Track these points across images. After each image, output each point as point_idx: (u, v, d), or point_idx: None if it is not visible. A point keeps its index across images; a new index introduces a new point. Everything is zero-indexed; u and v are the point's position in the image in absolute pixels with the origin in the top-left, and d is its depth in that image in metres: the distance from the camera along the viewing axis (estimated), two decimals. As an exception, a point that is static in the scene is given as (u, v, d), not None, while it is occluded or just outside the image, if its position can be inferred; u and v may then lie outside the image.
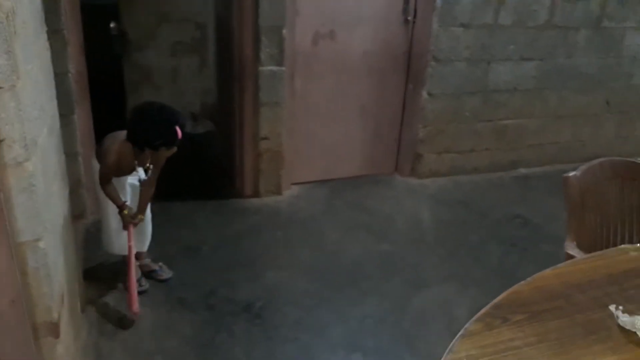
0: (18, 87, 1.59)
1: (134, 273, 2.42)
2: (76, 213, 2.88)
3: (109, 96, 4.03)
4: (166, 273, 2.71)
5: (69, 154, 2.69)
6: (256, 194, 3.62)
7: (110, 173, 2.32)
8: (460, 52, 3.72)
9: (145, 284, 2.60)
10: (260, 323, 2.43)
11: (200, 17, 4.57)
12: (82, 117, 3.11)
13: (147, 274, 2.67)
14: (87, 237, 2.99)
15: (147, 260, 2.70)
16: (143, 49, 4.56)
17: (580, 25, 3.98)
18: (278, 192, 3.64)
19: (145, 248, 2.65)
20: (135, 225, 2.42)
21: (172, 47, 4.66)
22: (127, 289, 2.43)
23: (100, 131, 3.29)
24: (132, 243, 2.41)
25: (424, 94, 3.74)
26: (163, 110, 2.27)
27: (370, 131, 3.89)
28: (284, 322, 2.44)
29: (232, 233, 3.17)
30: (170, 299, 2.56)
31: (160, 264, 2.73)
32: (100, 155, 2.37)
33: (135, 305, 2.34)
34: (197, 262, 2.83)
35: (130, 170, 2.36)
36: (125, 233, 2.42)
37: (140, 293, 2.48)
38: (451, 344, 1.15)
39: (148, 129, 2.24)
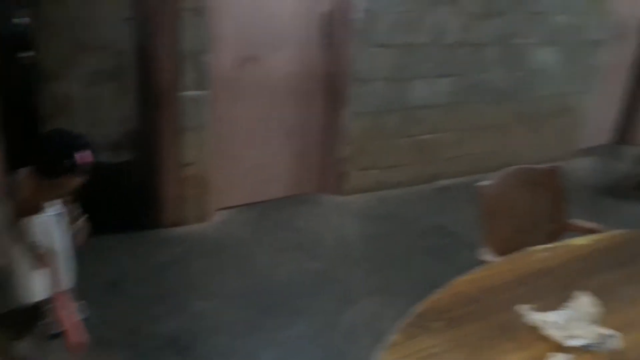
0: None
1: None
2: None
3: (22, 128, 3.82)
4: (84, 312, 2.56)
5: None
6: (181, 222, 3.53)
7: (21, 210, 2.18)
8: (380, 72, 3.84)
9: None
10: (189, 356, 2.35)
11: (119, 44, 4.45)
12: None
13: None
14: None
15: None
16: (59, 78, 4.37)
17: (490, 42, 4.24)
18: (204, 218, 3.57)
19: (71, 285, 2.50)
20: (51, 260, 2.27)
21: (91, 76, 4.50)
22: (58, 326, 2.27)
23: (16, 165, 3.13)
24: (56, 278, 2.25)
25: (347, 113, 3.83)
26: (61, 137, 2.16)
27: (296, 152, 3.92)
28: (214, 353, 2.38)
29: (156, 264, 3.06)
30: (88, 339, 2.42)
31: (83, 302, 2.58)
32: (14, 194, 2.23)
33: (78, 337, 2.18)
34: (118, 297, 2.71)
35: (38, 207, 2.22)
36: (36, 276, 2.28)
37: (54, 336, 2.33)
38: (373, 357, 1.17)
39: (47, 156, 2.12)
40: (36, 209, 2.25)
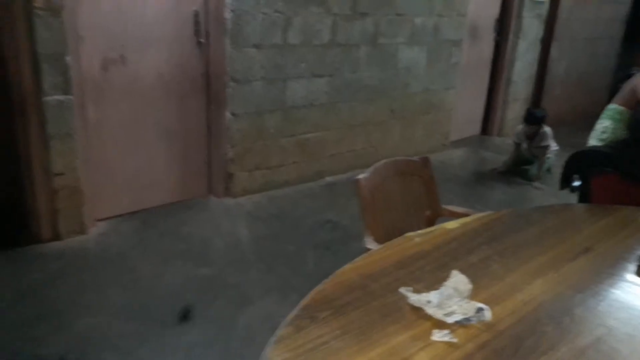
0: None
1: None
2: None
3: None
4: None
5: None
6: (57, 236, 3.29)
7: None
8: (256, 72, 3.86)
9: None
10: (74, 376, 2.21)
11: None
12: None
13: None
14: None
15: None
16: None
17: (360, 42, 4.43)
18: (82, 231, 3.36)
19: None
20: None
21: None
22: None
23: None
24: None
25: (227, 114, 3.80)
26: None
27: (177, 155, 3.82)
28: (102, 370, 2.26)
29: (31, 283, 2.83)
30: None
31: None
32: None
33: None
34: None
35: None
36: None
37: None
38: (263, 353, 1.18)
39: None
40: None
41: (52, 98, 3.07)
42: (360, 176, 2.11)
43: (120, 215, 3.60)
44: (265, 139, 4.06)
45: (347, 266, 1.56)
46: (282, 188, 4.24)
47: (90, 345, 2.40)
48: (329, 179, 4.53)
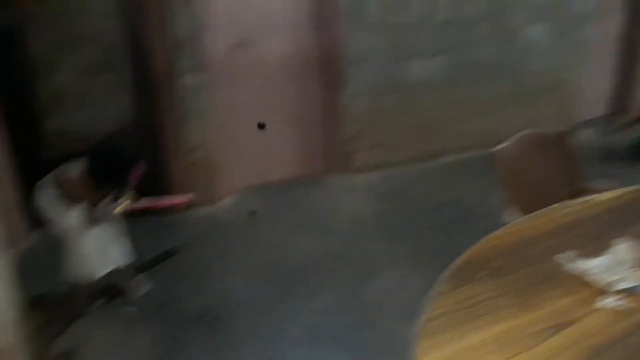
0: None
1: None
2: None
3: (21, 123, 3.81)
4: (143, 288, 2.61)
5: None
6: (192, 207, 3.55)
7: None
8: (374, 53, 3.86)
9: (99, 302, 2.50)
10: (217, 331, 2.39)
11: (110, 35, 4.43)
12: (-2, 144, 2.93)
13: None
14: (22, 265, 2.79)
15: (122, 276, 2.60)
16: (51, 73, 4.34)
17: (480, 19, 4.27)
18: (213, 202, 3.60)
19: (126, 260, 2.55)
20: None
21: (83, 68, 4.47)
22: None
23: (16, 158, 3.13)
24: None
25: (346, 95, 3.85)
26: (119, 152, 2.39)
27: (299, 133, 3.95)
28: (241, 326, 2.42)
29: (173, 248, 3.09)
30: (121, 314, 2.46)
31: (138, 277, 2.63)
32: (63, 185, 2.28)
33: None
34: (141, 277, 2.73)
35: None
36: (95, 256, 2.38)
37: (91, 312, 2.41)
38: (425, 305, 1.21)
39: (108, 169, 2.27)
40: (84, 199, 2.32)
41: (186, 80, 3.30)
42: (499, 147, 2.07)
43: (246, 189, 3.79)
44: (383, 119, 4.07)
45: (497, 233, 1.55)
46: (401, 167, 4.22)
47: (228, 305, 2.59)
48: (448, 158, 4.44)
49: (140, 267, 2.70)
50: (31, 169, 3.24)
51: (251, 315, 2.49)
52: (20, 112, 4.00)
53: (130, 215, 2.61)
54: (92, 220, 2.38)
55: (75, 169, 2.34)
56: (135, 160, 2.38)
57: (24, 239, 3.11)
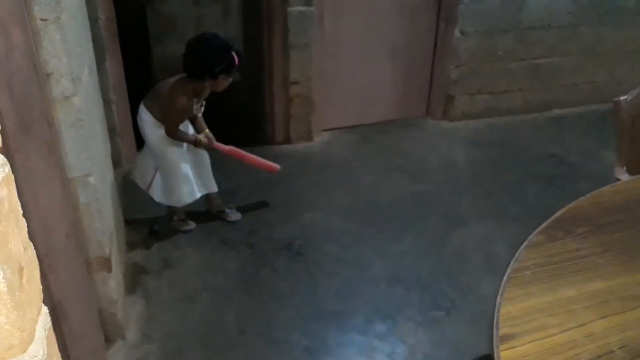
0: (62, 20, 1.58)
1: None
2: (113, 160, 2.92)
3: (134, 46, 4.00)
4: (235, 215, 2.75)
5: (103, 102, 2.70)
6: (287, 140, 3.61)
7: (181, 118, 2.36)
8: (494, -12, 3.59)
9: (192, 224, 2.65)
10: (302, 260, 2.46)
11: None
12: (114, 65, 3.10)
13: (217, 214, 2.74)
14: (124, 184, 3.02)
15: (218, 201, 2.74)
16: (166, -1, 4.50)
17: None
18: (309, 138, 3.62)
19: (216, 188, 2.68)
20: (213, 140, 2.51)
21: (196, -4, 4.59)
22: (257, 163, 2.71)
23: (129, 81, 3.31)
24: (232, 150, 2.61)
25: (457, 32, 3.64)
26: (218, 38, 2.31)
27: (401, 73, 3.82)
28: (325, 259, 2.47)
29: (265, 178, 3.16)
30: (212, 238, 2.60)
31: (231, 205, 2.77)
32: (153, 106, 2.37)
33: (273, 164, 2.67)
34: (235, 204, 2.85)
35: (191, 110, 2.39)
36: (193, 179, 2.51)
37: (185, 232, 2.56)
38: (517, 254, 1.15)
39: (207, 56, 2.25)
40: (190, 114, 2.41)
41: (295, 9, 3.25)
42: (622, 97, 1.86)
43: (342, 127, 3.77)
44: (492, 62, 3.82)
45: (606, 188, 1.42)
46: (504, 116, 4.00)
47: (314, 235, 2.64)
48: (557, 111, 4.14)
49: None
50: (142, 92, 3.44)
51: (335, 250, 2.53)
52: (134, 36, 4.23)
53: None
54: (192, 143, 2.47)
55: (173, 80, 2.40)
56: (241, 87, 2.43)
57: (132, 158, 3.34)
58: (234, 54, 2.27)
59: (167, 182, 2.51)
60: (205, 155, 2.59)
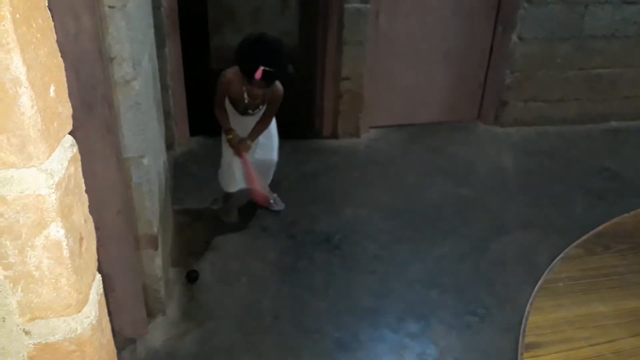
0: (128, 7, 1.67)
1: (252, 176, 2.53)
2: (166, 144, 3.04)
3: (194, 34, 4.13)
4: (279, 205, 2.82)
5: (161, 87, 2.80)
6: (334, 135, 3.65)
7: (222, 95, 2.40)
8: (556, -8, 3.50)
9: (233, 218, 2.73)
10: (340, 254, 2.50)
11: (284, -43, 4.53)
12: (173, 52, 3.22)
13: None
14: (175, 167, 3.14)
15: (266, 190, 2.79)
16: (226, -11, 4.59)
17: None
18: (356, 134, 3.65)
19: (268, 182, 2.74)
20: (244, 149, 2.45)
21: (255, -12, 4.66)
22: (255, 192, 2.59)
23: (186, 68, 3.43)
24: (247, 165, 2.50)
25: (514, 37, 3.58)
26: (262, 42, 2.29)
27: (454, 75, 3.78)
28: (363, 255, 2.50)
29: (311, 171, 3.23)
30: (254, 226, 2.68)
31: (275, 195, 2.84)
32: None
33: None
34: (278, 195, 2.92)
35: (239, 97, 2.42)
36: (236, 172, 2.55)
37: (224, 222, 2.65)
38: (551, 265, 1.15)
39: (239, 54, 2.28)
40: (237, 99, 2.45)
41: (352, 6, 3.28)
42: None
43: (390, 126, 3.78)
44: (549, 69, 3.73)
45: (653, 206, 1.39)
46: (558, 125, 3.90)
47: (353, 232, 2.68)
48: (614, 123, 4.00)
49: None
50: (198, 80, 3.55)
51: (373, 248, 2.56)
52: (194, 25, 4.36)
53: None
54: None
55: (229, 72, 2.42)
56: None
57: (185, 143, 3.47)
58: (261, 66, 2.20)
59: (220, 166, 2.62)
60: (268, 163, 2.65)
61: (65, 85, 0.51)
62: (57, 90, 0.48)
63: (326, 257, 2.48)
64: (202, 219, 2.72)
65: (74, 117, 1.65)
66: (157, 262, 2.06)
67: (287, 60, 2.30)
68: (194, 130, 3.52)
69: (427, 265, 2.46)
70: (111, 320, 1.96)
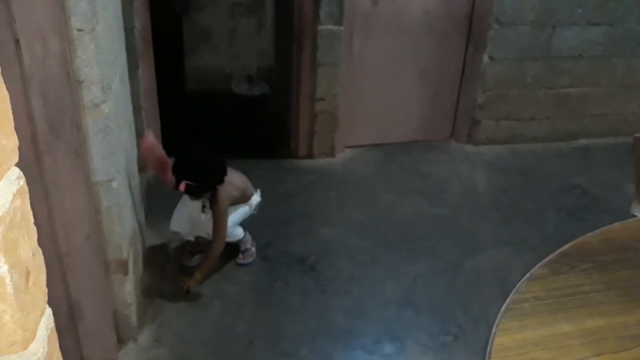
0: (97, 31, 1.66)
1: None
2: (138, 166, 3.01)
3: (168, 55, 4.13)
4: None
5: (134, 109, 2.79)
6: (310, 155, 3.65)
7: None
8: (525, 15, 3.59)
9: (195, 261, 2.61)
10: (315, 275, 2.49)
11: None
12: (146, 73, 3.20)
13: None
14: (148, 189, 3.11)
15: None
16: (202, 9, 4.62)
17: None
18: (331, 154, 3.66)
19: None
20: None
21: (230, 9, 4.70)
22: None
23: (161, 88, 3.41)
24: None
25: (485, 57, 3.65)
26: (206, 156, 2.32)
27: (428, 95, 3.84)
28: (338, 276, 2.50)
29: (286, 191, 3.23)
30: (228, 249, 2.64)
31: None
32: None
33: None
34: (253, 216, 2.90)
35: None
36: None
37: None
38: (517, 286, 1.16)
39: (200, 178, 2.26)
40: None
41: (326, 27, 3.31)
42: (642, 134, 1.85)
43: (365, 145, 3.81)
44: (520, 88, 3.81)
45: (617, 225, 1.41)
46: (529, 143, 3.98)
47: (329, 251, 2.67)
48: (584, 141, 4.10)
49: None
50: (172, 100, 3.55)
51: (348, 268, 2.55)
52: (169, 46, 4.36)
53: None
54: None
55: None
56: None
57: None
58: (222, 169, 2.30)
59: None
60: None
61: (11, 117, 0.50)
62: (0, 122, 0.47)
63: (301, 278, 2.47)
64: (174, 241, 2.68)
65: (42, 141, 1.62)
66: (127, 288, 2.03)
67: (206, 173, 2.28)
68: (167, 151, 3.48)
69: (402, 285, 2.46)
70: (80, 348, 1.91)
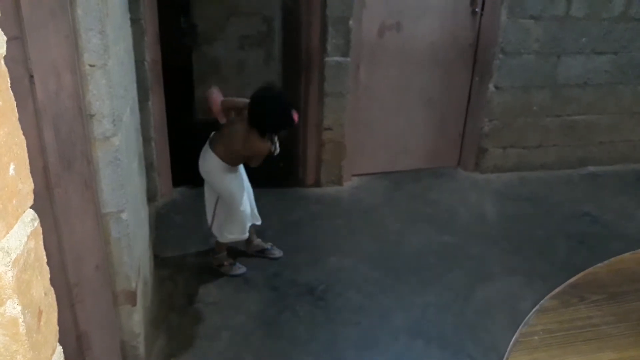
0: (109, 66, 1.70)
1: None
2: (148, 195, 3.03)
3: (179, 86, 4.19)
4: (277, 252, 2.82)
5: (144, 139, 2.83)
6: (317, 183, 3.67)
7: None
8: (530, 45, 3.63)
9: (242, 267, 2.71)
10: (323, 305, 2.48)
11: (267, 10, 4.67)
12: (156, 105, 3.26)
13: (258, 252, 2.82)
14: (157, 219, 3.13)
15: (258, 240, 2.84)
16: (212, 41, 4.70)
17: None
18: (339, 182, 3.68)
19: (260, 220, 2.78)
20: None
21: (240, 40, 4.77)
22: None
23: (171, 119, 3.46)
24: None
25: (491, 87, 3.68)
26: (281, 98, 2.46)
27: (434, 124, 3.86)
28: (347, 306, 2.48)
29: (294, 220, 3.23)
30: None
31: (270, 243, 2.84)
32: (222, 149, 2.56)
33: None
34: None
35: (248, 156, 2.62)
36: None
37: (236, 276, 2.65)
38: (527, 318, 1.15)
39: (272, 118, 2.40)
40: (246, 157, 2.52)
41: (333, 59, 3.37)
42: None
43: (373, 174, 3.82)
44: (527, 117, 3.83)
45: (627, 255, 1.40)
46: (537, 171, 3.97)
47: (337, 281, 2.66)
48: (592, 168, 4.08)
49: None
50: (181, 131, 3.59)
51: (357, 298, 2.54)
52: (178, 77, 4.43)
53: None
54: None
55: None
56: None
57: (168, 194, 3.46)
58: (293, 113, 2.41)
59: (229, 218, 2.59)
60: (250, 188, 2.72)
61: (27, 161, 0.52)
62: (17, 167, 0.49)
63: (310, 309, 2.45)
64: (183, 271, 2.69)
65: (53, 173, 1.64)
66: (135, 319, 2.02)
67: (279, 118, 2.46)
68: (177, 181, 3.52)
69: (412, 315, 2.44)
70: (87, 380, 1.89)
